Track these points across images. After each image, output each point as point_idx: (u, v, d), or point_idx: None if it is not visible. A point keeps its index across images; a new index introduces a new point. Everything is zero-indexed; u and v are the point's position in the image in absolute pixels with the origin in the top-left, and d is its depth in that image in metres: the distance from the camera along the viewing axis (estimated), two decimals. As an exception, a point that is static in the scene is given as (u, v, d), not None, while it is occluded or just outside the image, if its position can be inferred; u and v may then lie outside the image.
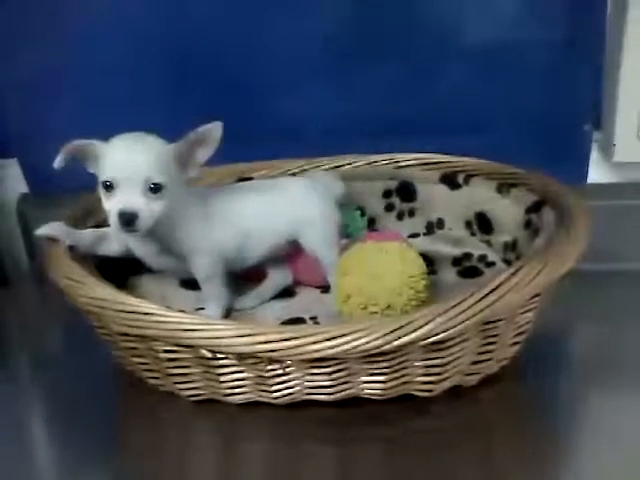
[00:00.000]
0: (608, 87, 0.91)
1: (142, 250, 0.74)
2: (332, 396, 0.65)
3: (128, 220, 0.66)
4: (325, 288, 0.81)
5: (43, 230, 0.73)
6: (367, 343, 0.58)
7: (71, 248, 0.72)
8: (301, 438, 0.64)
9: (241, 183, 0.85)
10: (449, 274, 0.82)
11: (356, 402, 0.65)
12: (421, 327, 0.58)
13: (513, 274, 0.61)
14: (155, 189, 0.67)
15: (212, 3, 0.93)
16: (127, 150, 0.68)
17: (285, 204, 0.78)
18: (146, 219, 0.67)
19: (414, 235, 0.89)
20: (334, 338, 0.58)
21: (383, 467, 0.61)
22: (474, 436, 0.64)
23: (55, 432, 0.68)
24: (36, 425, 0.71)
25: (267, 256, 0.78)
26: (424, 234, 0.89)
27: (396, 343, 0.58)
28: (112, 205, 0.67)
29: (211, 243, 0.74)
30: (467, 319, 0.59)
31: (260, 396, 0.66)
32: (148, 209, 0.67)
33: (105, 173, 0.67)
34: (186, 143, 0.70)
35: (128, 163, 0.67)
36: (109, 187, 0.67)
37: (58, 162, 0.68)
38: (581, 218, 0.69)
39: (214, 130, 0.70)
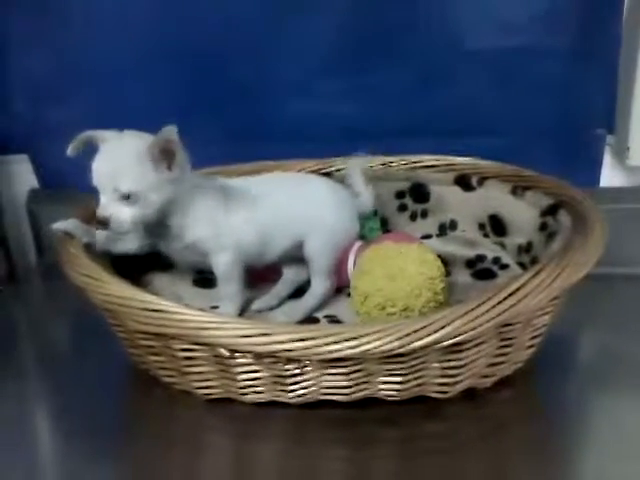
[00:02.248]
0: (622, 91, 0.91)
1: (165, 246, 0.75)
2: (348, 397, 0.65)
3: (102, 224, 0.69)
4: (339, 288, 0.80)
5: (60, 225, 0.73)
6: (386, 344, 0.58)
7: (87, 246, 0.72)
8: (315, 438, 0.64)
9: (268, 175, 0.84)
10: (463, 276, 0.83)
11: (370, 403, 0.65)
12: (441, 329, 0.58)
13: (532, 277, 0.61)
14: (126, 196, 0.69)
15: (224, 4, 0.93)
16: (101, 159, 0.70)
17: (303, 202, 0.78)
18: (117, 224, 0.69)
19: (427, 236, 0.89)
20: (353, 339, 0.58)
21: (396, 468, 0.61)
22: (487, 438, 0.64)
23: (64, 429, 0.68)
24: (45, 422, 0.71)
25: (286, 252, 0.78)
26: (437, 235, 0.89)
27: (415, 344, 0.58)
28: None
29: (232, 238, 0.74)
30: (486, 322, 0.59)
31: (275, 396, 0.66)
32: (119, 214, 0.69)
33: (92, 177, 0.70)
34: (152, 151, 0.69)
35: (100, 172, 0.69)
36: (96, 191, 0.70)
37: (70, 150, 0.70)
38: (598, 223, 0.69)
39: (169, 134, 0.68)
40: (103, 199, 0.69)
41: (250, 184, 0.79)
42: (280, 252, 0.78)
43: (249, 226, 0.75)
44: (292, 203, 0.78)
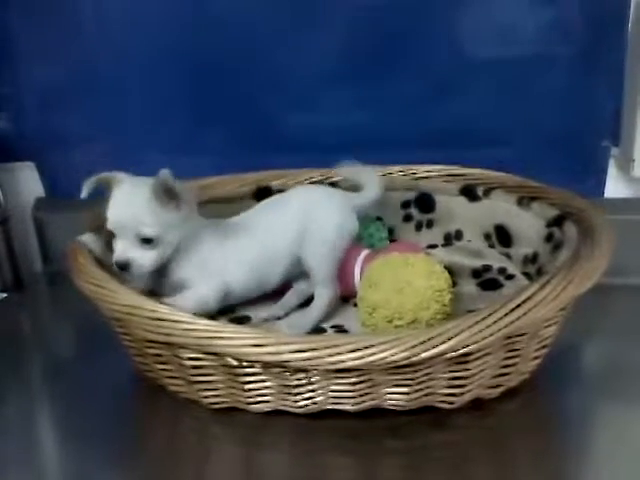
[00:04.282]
0: (627, 103, 0.91)
1: (157, 285, 0.77)
2: (355, 406, 0.65)
3: (123, 267, 0.72)
4: (345, 298, 0.81)
5: (86, 239, 0.75)
6: (394, 355, 0.58)
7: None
8: (321, 448, 0.64)
9: (255, 208, 0.84)
10: (469, 286, 0.83)
11: (377, 413, 0.65)
12: (449, 340, 0.58)
13: (540, 289, 0.61)
14: (147, 240, 0.71)
15: (230, 16, 0.94)
16: (121, 205, 0.72)
17: (293, 221, 0.79)
18: (138, 267, 0.72)
19: (432, 246, 0.89)
20: (362, 349, 0.58)
21: (403, 478, 0.61)
22: (493, 448, 0.64)
23: (69, 437, 0.68)
24: (49, 429, 0.71)
25: (286, 276, 0.80)
26: (442, 245, 0.90)
27: (423, 355, 0.58)
28: (115, 250, 0.72)
29: (220, 278, 0.76)
30: (494, 333, 0.59)
31: (282, 405, 0.66)
32: (140, 258, 0.72)
33: (108, 222, 0.72)
34: (158, 194, 0.71)
35: (122, 218, 0.72)
36: (113, 234, 0.73)
37: (83, 194, 0.72)
38: (604, 234, 0.69)
39: (165, 178, 0.70)
40: (122, 243, 0.71)
41: (241, 220, 0.80)
42: (280, 279, 0.79)
43: (239, 267, 0.76)
44: (281, 232, 0.78)
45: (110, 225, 0.72)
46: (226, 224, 0.79)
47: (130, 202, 0.71)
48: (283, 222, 0.79)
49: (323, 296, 0.77)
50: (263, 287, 0.79)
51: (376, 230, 0.87)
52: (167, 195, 0.71)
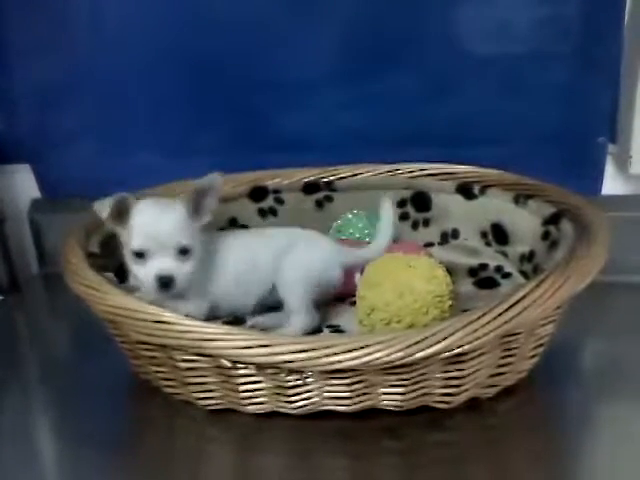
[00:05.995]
0: (624, 100, 0.91)
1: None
2: (350, 407, 0.65)
3: (165, 283, 0.71)
4: (341, 298, 0.81)
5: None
6: (389, 355, 0.58)
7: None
8: (317, 449, 0.64)
9: (251, 230, 0.85)
10: (465, 284, 0.82)
11: (372, 413, 0.65)
12: (444, 339, 0.58)
13: (535, 287, 0.60)
14: (184, 251, 0.72)
15: (227, 13, 0.93)
16: (155, 219, 0.72)
17: (274, 251, 0.78)
18: (181, 281, 0.72)
19: (429, 245, 0.89)
20: (356, 349, 0.58)
21: (399, 479, 0.61)
22: (490, 448, 0.63)
23: (65, 438, 0.68)
24: (45, 431, 0.70)
25: (262, 299, 0.79)
26: (439, 244, 0.89)
27: (418, 355, 0.58)
28: (146, 271, 0.71)
29: (207, 290, 0.76)
30: (489, 332, 0.59)
31: (277, 406, 0.66)
32: (181, 271, 0.72)
33: (136, 242, 0.71)
34: (192, 198, 0.73)
35: (159, 232, 0.71)
36: (140, 255, 0.71)
37: (104, 215, 0.71)
38: (601, 231, 0.69)
39: (214, 180, 0.73)
40: (160, 259, 0.71)
41: (227, 238, 0.80)
42: (256, 300, 0.79)
43: (221, 284, 0.76)
44: (264, 257, 0.78)
45: (142, 244, 0.71)
46: (220, 237, 0.79)
47: (164, 215, 0.72)
48: (268, 246, 0.78)
49: (296, 324, 0.74)
50: (246, 303, 0.79)
51: (357, 223, 0.87)
52: (197, 203, 0.72)
